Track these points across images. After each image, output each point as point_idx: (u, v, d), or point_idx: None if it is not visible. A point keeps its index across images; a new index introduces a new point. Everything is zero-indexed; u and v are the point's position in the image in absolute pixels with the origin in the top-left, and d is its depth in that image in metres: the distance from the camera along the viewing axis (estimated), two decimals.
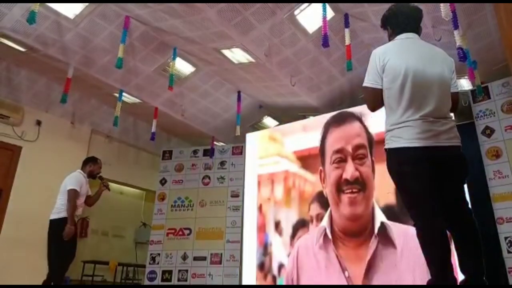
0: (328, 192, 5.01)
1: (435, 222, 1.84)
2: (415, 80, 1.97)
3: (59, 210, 4.09)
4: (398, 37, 2.18)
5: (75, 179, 4.20)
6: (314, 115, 6.39)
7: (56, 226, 4.05)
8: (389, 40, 2.26)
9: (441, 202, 1.92)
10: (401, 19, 2.21)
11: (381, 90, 2.07)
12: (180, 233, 6.53)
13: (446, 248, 1.82)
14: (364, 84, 2.12)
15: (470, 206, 2.02)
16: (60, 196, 4.15)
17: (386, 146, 2.03)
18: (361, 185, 4.75)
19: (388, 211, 4.58)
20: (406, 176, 1.92)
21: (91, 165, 4.41)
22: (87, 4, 4.24)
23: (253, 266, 5.75)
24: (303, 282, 4.97)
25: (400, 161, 1.95)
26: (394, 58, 2.04)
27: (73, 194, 4.07)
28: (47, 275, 4.00)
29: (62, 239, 3.96)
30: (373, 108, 2.14)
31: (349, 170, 4.83)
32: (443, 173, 1.93)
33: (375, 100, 2.10)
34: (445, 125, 1.95)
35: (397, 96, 1.99)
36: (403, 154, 1.92)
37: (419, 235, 1.88)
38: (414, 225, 1.92)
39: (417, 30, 2.21)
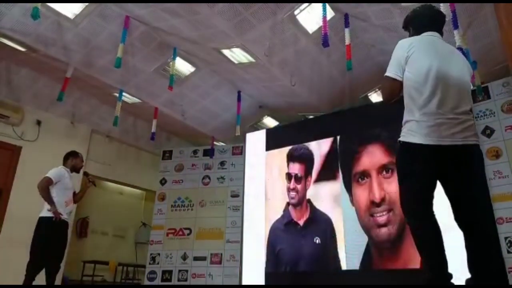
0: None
1: (430, 220, 1.87)
2: (438, 75, 1.98)
3: (44, 208, 4.07)
4: (422, 34, 2.18)
5: (53, 170, 4.17)
6: (314, 115, 6.40)
7: (45, 223, 4.01)
8: None
9: (454, 201, 1.93)
10: (425, 21, 2.22)
11: (400, 83, 2.07)
12: (180, 233, 6.53)
13: (441, 245, 1.84)
14: (386, 74, 2.12)
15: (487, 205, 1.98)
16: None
17: (402, 139, 2.01)
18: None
19: None
20: (413, 175, 1.92)
21: (72, 159, 4.34)
22: (87, 4, 4.24)
23: (252, 266, 5.75)
24: None
25: (412, 159, 1.94)
26: (419, 51, 2.05)
27: (44, 180, 4.04)
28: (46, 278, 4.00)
29: (45, 238, 3.93)
30: (388, 99, 2.14)
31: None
32: (457, 171, 1.92)
33: (392, 91, 2.11)
34: (465, 123, 1.95)
35: (418, 87, 1.99)
36: (417, 151, 1.92)
37: (414, 233, 1.90)
38: (408, 223, 1.93)
39: (439, 31, 2.22)
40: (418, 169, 1.91)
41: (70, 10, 4.31)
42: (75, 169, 4.38)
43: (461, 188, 1.93)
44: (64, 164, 4.34)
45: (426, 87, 1.97)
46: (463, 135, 1.92)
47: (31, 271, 3.86)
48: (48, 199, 4.03)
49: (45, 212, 4.04)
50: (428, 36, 2.16)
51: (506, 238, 4.16)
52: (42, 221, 4.03)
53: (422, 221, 1.89)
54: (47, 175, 4.11)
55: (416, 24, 2.26)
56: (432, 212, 1.90)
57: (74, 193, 4.38)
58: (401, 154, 2.03)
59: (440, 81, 1.97)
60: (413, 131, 1.95)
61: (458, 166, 1.91)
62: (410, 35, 2.29)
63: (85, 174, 4.62)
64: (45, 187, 4.04)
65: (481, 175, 1.99)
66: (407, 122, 2.01)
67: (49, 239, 3.95)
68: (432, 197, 1.91)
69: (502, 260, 1.89)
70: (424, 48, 2.07)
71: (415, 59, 2.04)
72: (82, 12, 4.32)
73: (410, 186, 1.95)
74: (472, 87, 4.77)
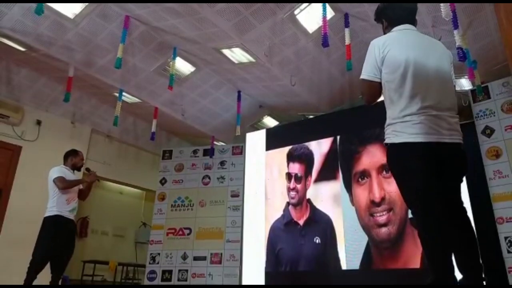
0: None
1: (439, 222, 1.80)
2: (416, 72, 1.92)
3: (50, 208, 4.04)
4: (395, 28, 2.12)
5: (56, 170, 4.15)
6: (314, 115, 6.40)
7: (47, 223, 4.00)
8: (384, 33, 2.20)
9: (440, 200, 1.87)
10: (398, 11, 2.16)
11: (378, 83, 2.02)
12: (180, 232, 6.53)
13: (449, 248, 1.80)
14: (362, 77, 2.06)
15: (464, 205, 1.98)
16: (50, 193, 4.10)
17: (388, 141, 1.96)
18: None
19: None
20: (410, 173, 1.87)
21: (72, 158, 4.33)
22: (87, 3, 4.24)
23: (252, 266, 5.75)
24: None
25: (404, 157, 1.89)
26: (394, 49, 1.99)
27: (58, 180, 4.02)
28: (51, 276, 4.00)
29: (47, 236, 3.93)
30: (369, 101, 2.09)
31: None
32: (444, 170, 1.89)
33: (372, 93, 2.06)
34: (449, 120, 1.90)
35: (397, 89, 1.94)
36: (407, 150, 1.87)
37: (421, 234, 1.84)
38: (416, 225, 1.89)
39: (413, 22, 2.16)
40: (411, 167, 1.86)
41: (70, 10, 4.31)
42: (75, 168, 4.37)
43: (447, 187, 1.91)
44: (65, 163, 4.33)
45: (405, 86, 1.92)
46: (449, 132, 1.89)
47: (33, 271, 3.86)
48: (74, 182, 4.13)
49: (49, 212, 4.04)
50: (402, 31, 2.10)
51: (506, 237, 4.15)
52: (47, 221, 4.02)
53: (425, 219, 1.83)
54: (55, 176, 4.08)
55: (389, 15, 2.19)
56: (440, 210, 1.81)
57: (81, 191, 4.37)
58: (390, 156, 1.97)
59: (419, 78, 1.92)
60: (398, 131, 1.91)
61: (444, 165, 1.88)
62: (383, 28, 2.23)
63: (87, 170, 4.58)
64: (64, 182, 4.05)
65: (462, 174, 1.97)
66: (391, 124, 1.96)
67: (54, 238, 3.95)
68: (437, 194, 1.83)
69: (479, 258, 1.87)
70: (399, 46, 2.01)
71: (390, 58, 1.98)
72: (82, 11, 4.32)
73: (408, 185, 1.91)
74: (472, 86, 4.80)
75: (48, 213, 4.04)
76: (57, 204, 4.03)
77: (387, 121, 2.00)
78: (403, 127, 1.89)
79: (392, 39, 2.06)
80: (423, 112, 1.88)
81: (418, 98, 1.90)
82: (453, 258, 1.82)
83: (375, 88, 2.04)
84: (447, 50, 2.13)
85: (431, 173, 1.85)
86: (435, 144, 1.86)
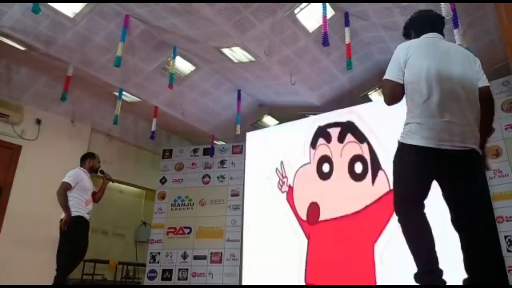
0: None
1: (420, 214, 1.88)
2: (437, 77, 1.96)
3: (72, 209, 4.05)
4: (422, 36, 2.19)
5: (71, 173, 4.16)
6: (314, 114, 6.39)
7: (73, 223, 4.02)
8: None
9: (452, 204, 1.94)
10: (424, 21, 2.24)
11: (401, 85, 2.06)
12: (180, 232, 6.53)
13: (431, 239, 1.84)
14: (385, 77, 2.11)
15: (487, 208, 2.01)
16: (68, 194, 4.09)
17: (400, 140, 2.01)
18: None
19: None
20: (408, 176, 1.94)
21: (90, 161, 4.37)
22: (86, 3, 4.23)
23: (252, 265, 5.75)
24: None
25: (408, 160, 1.95)
26: (417, 53, 2.05)
27: (62, 186, 4.04)
28: (55, 277, 4.01)
29: (72, 237, 3.96)
30: (390, 102, 2.12)
31: None
32: (455, 175, 1.92)
33: (394, 94, 2.09)
34: (465, 127, 1.92)
35: (418, 91, 1.98)
36: (414, 153, 1.92)
37: (404, 227, 1.91)
38: (399, 220, 1.94)
39: (439, 30, 2.22)
40: (413, 171, 1.93)
41: (70, 9, 4.31)
42: (92, 170, 4.41)
43: (458, 192, 1.93)
44: (82, 165, 4.37)
45: (424, 89, 1.96)
46: (463, 140, 1.90)
47: (65, 271, 3.89)
48: (64, 205, 4.03)
49: (75, 212, 4.04)
50: (428, 38, 2.15)
51: (506, 237, 4.16)
52: (72, 221, 4.02)
53: (409, 219, 1.91)
54: (64, 180, 4.09)
55: (416, 25, 2.26)
56: (422, 212, 1.90)
57: (94, 193, 4.39)
58: (398, 154, 2.03)
59: (439, 82, 1.95)
60: (412, 133, 1.95)
61: (455, 170, 1.91)
62: (412, 38, 2.27)
63: (101, 172, 4.56)
64: (63, 193, 4.04)
65: (479, 179, 1.98)
66: (408, 124, 2.00)
67: (79, 237, 4.04)
68: (424, 197, 1.92)
69: (502, 262, 1.88)
70: (422, 50, 2.07)
71: (413, 61, 2.03)
72: (81, 10, 4.32)
73: (402, 186, 1.98)
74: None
75: (75, 213, 4.06)
76: (77, 205, 4.08)
77: (406, 120, 2.04)
78: (418, 129, 1.94)
79: (416, 44, 2.13)
80: (440, 116, 1.91)
81: (436, 102, 1.93)
82: (436, 251, 1.84)
83: (397, 89, 2.07)
84: (473, 56, 2.15)
85: (431, 177, 1.92)
86: (448, 151, 1.88)
